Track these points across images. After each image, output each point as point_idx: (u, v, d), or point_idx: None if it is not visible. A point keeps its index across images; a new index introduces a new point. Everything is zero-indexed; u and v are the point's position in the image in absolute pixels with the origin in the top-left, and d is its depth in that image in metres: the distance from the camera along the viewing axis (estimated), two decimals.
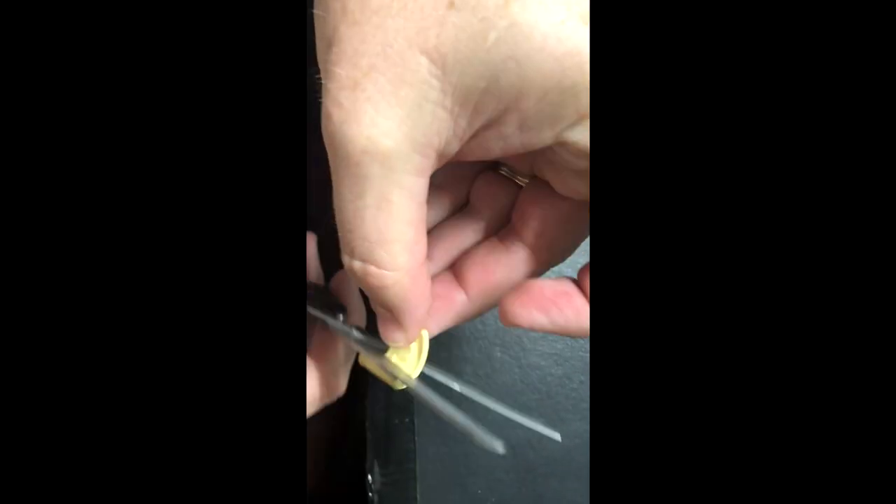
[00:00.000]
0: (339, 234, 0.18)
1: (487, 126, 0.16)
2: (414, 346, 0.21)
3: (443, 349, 0.32)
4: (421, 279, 0.19)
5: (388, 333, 0.20)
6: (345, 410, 0.48)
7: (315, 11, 0.17)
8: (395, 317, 0.19)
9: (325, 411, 0.44)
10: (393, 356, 0.21)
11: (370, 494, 0.32)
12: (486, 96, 0.15)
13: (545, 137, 0.16)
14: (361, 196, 0.16)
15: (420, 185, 0.17)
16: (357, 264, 0.18)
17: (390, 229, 0.17)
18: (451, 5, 0.14)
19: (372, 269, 0.17)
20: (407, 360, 0.21)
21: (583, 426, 0.32)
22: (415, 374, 0.21)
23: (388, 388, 0.31)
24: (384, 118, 0.15)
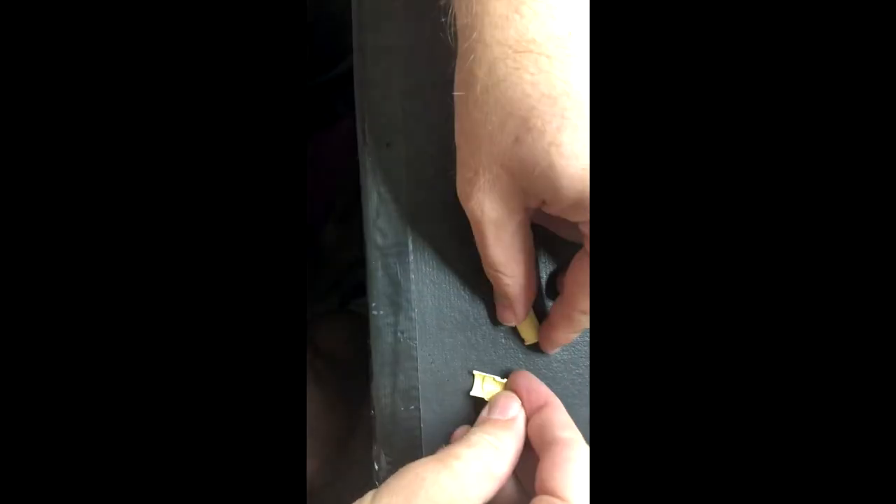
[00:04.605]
0: (482, 260, 0.29)
1: (540, 204, 0.26)
2: (531, 322, 0.31)
3: (447, 336, 0.31)
4: (526, 283, 0.29)
5: (504, 316, 0.31)
6: (352, 407, 0.48)
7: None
8: (510, 305, 0.30)
9: (334, 408, 0.44)
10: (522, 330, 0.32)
11: (376, 483, 0.32)
12: (534, 193, 0.25)
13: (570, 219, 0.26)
14: (487, 240, 0.27)
15: (518, 229, 0.27)
16: (491, 273, 0.29)
17: (505, 254, 0.27)
18: (516, 141, 0.23)
19: (499, 276, 0.28)
20: (528, 331, 0.31)
21: (588, 411, 0.31)
22: (532, 339, 0.32)
23: (393, 376, 0.31)
24: (489, 199, 0.26)
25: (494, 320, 0.31)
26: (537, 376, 0.31)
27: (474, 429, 0.28)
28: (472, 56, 0.23)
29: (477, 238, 0.28)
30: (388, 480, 0.25)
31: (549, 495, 0.25)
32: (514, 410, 0.29)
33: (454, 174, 0.29)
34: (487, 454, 0.27)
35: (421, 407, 0.31)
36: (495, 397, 0.30)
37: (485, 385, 0.31)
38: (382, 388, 0.32)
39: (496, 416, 0.29)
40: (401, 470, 0.26)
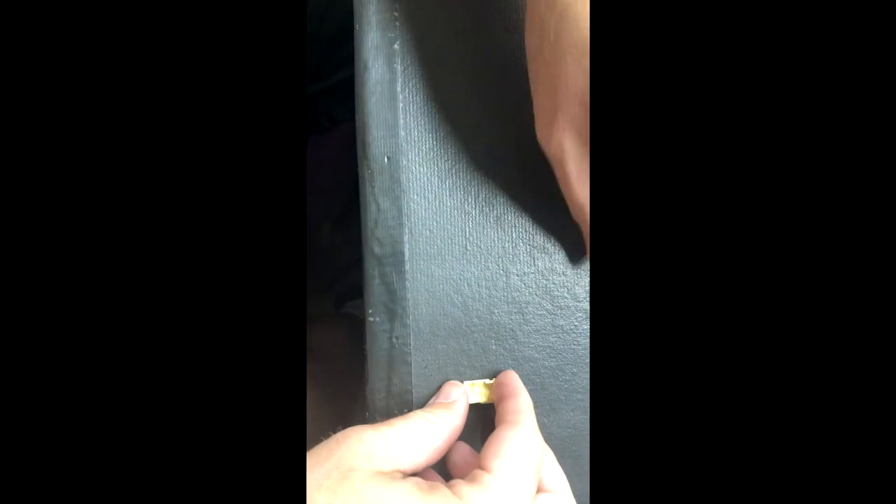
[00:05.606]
0: (568, 202, 0.29)
1: None
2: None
3: (440, 342, 0.33)
4: None
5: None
6: (346, 409, 0.49)
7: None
8: None
9: (328, 410, 0.45)
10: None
11: None
12: None
13: None
14: (570, 179, 0.28)
15: None
16: (578, 213, 0.29)
17: (589, 191, 0.27)
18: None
19: (587, 213, 0.28)
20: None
21: (575, 416, 0.33)
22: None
23: (388, 380, 0.33)
24: (569, 138, 0.27)
25: (487, 327, 0.32)
26: (526, 382, 0.32)
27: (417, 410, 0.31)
28: (543, 5, 0.25)
29: (560, 179, 0.28)
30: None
31: (479, 468, 0.27)
32: (455, 395, 0.31)
33: (453, 180, 0.30)
34: (420, 426, 0.28)
35: (414, 409, 0.33)
36: (441, 386, 0.32)
37: (475, 389, 0.32)
38: (378, 391, 0.33)
39: (440, 400, 0.31)
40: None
